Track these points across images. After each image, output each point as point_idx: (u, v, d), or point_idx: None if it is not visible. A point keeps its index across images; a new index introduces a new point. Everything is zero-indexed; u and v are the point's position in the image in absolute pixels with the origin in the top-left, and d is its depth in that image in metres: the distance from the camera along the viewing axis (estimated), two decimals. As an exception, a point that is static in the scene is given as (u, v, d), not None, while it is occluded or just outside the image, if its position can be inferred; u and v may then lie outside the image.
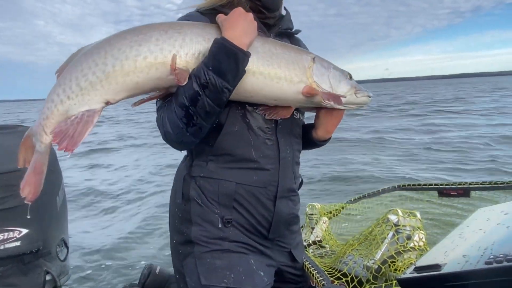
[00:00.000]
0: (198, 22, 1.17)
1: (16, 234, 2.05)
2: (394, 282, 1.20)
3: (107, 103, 1.07)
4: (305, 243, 2.04)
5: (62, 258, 2.37)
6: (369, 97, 1.23)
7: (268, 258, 1.29)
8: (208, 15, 1.23)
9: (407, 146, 9.92)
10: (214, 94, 1.05)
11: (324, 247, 2.02)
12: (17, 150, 1.13)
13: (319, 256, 1.92)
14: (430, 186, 2.31)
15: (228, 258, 1.21)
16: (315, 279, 1.42)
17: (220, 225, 1.21)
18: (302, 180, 1.44)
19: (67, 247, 2.50)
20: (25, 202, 1.13)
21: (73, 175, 8.02)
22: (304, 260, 1.57)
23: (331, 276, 1.49)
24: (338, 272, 1.50)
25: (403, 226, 1.50)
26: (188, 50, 1.06)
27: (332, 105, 1.20)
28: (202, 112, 1.07)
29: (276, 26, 1.33)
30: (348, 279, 1.44)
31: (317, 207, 2.15)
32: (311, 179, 6.62)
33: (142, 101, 1.15)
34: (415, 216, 1.54)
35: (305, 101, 1.19)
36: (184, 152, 1.34)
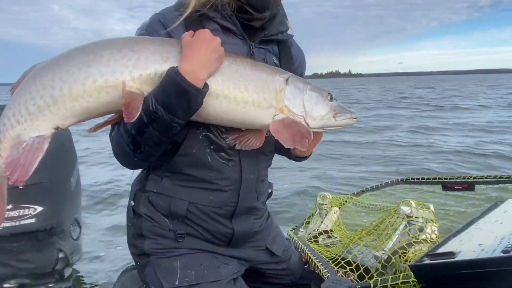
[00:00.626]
0: (158, 37, 1.07)
1: (31, 211, 2.10)
2: (403, 273, 1.18)
3: (57, 128, 1.01)
4: (314, 233, 2.04)
5: (75, 237, 2.43)
6: (354, 118, 1.12)
7: (234, 258, 1.27)
8: (187, 17, 1.12)
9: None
10: (162, 127, 0.98)
11: (334, 237, 2.02)
12: None
13: (329, 245, 1.92)
14: (434, 180, 2.28)
15: (187, 258, 1.19)
16: (320, 271, 1.42)
17: (173, 238, 1.18)
18: (270, 192, 1.39)
19: (80, 227, 2.55)
20: None
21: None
22: (308, 251, 1.57)
23: (337, 265, 1.49)
24: (343, 261, 1.49)
25: (415, 217, 1.48)
26: (143, 71, 0.97)
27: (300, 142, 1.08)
28: (149, 142, 1.01)
29: (262, 31, 1.21)
30: (353, 267, 1.44)
31: (328, 197, 2.14)
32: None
33: (98, 127, 1.05)
34: (428, 208, 1.51)
35: None
36: None
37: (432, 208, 1.53)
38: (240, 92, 1.03)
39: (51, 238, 2.20)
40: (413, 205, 1.51)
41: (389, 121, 14.06)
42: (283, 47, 1.28)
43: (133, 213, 1.22)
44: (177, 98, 0.94)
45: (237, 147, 1.11)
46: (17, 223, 2.06)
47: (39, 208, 2.12)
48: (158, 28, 1.11)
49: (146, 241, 1.18)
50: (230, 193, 1.18)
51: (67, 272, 2.37)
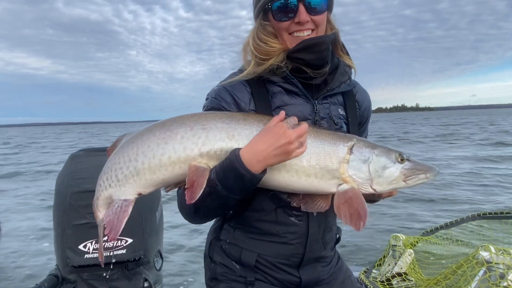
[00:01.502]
0: (226, 113, 1.14)
1: (123, 242, 2.33)
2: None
3: (140, 194, 1.13)
4: (388, 275, 2.01)
5: (158, 268, 2.62)
6: (428, 177, 1.07)
7: None
8: (251, 82, 1.21)
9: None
10: (219, 200, 1.07)
11: (409, 280, 1.97)
12: None
13: (403, 289, 1.89)
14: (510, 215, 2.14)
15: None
16: None
17: (244, 283, 1.26)
18: (338, 237, 1.40)
19: (162, 258, 2.75)
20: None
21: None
22: None
23: None
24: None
25: (495, 263, 1.43)
26: (211, 148, 1.05)
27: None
28: (207, 209, 1.12)
29: (325, 87, 1.23)
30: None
31: (401, 238, 2.11)
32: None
33: (171, 188, 1.16)
34: (510, 254, 1.45)
35: None
36: None
37: (514, 254, 1.47)
38: (302, 166, 1.05)
39: (138, 268, 2.40)
40: (493, 250, 1.46)
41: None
42: (348, 96, 1.30)
43: (209, 259, 1.34)
44: (234, 180, 1.02)
45: (303, 208, 1.13)
46: (111, 253, 2.30)
47: (130, 240, 2.34)
48: (225, 95, 1.21)
49: (220, 284, 1.30)
50: (297, 246, 1.23)
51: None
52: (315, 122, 1.21)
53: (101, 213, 1.18)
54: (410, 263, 2.02)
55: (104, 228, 1.11)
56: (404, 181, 1.06)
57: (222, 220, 1.33)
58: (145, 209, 2.51)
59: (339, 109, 1.27)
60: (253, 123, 1.08)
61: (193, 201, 0.99)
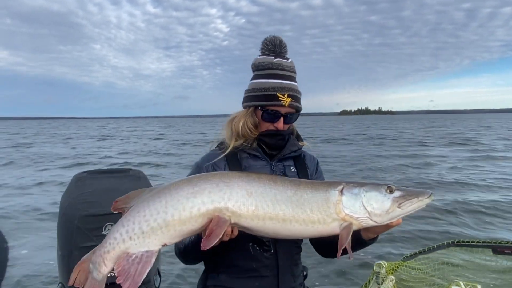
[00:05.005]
0: (245, 173, 1.30)
1: (126, 263, 2.48)
2: None
3: (164, 245, 1.18)
4: (371, 300, 2.24)
5: (157, 286, 2.77)
6: (423, 200, 1.15)
7: None
8: (229, 155, 1.58)
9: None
10: (196, 250, 1.43)
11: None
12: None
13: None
14: (484, 244, 2.38)
15: None
16: None
17: None
18: (306, 274, 1.70)
19: (160, 276, 2.90)
20: None
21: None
22: None
23: None
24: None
25: (464, 298, 1.66)
26: (235, 202, 1.18)
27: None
28: (191, 256, 1.55)
29: (279, 153, 1.61)
30: None
31: (384, 265, 2.34)
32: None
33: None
34: (476, 288, 1.70)
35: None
36: None
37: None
38: (307, 215, 1.18)
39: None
40: (462, 286, 1.70)
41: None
42: (298, 160, 1.68)
43: None
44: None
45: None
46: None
47: None
48: (204, 164, 1.59)
49: None
50: (271, 278, 1.52)
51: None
52: None
53: (107, 267, 1.18)
54: (391, 288, 2.25)
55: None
56: (399, 207, 1.15)
57: (206, 270, 1.65)
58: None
59: (291, 168, 1.63)
60: (265, 181, 1.24)
61: (208, 248, 1.13)
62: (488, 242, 2.40)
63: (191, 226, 1.18)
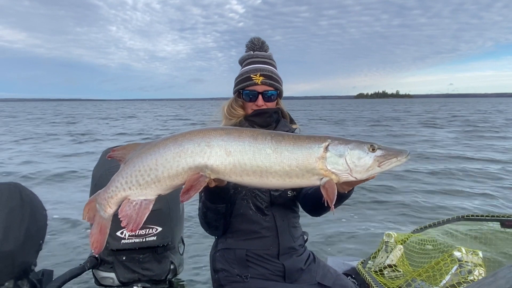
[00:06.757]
0: (226, 129, 1.32)
1: (153, 230, 2.67)
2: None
3: (159, 195, 1.34)
4: (380, 266, 2.38)
5: (181, 252, 2.99)
6: (401, 159, 1.20)
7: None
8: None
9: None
10: (215, 212, 1.61)
11: (398, 271, 2.34)
12: None
13: (393, 278, 2.26)
14: (492, 217, 2.49)
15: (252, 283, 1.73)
16: None
17: (242, 281, 1.73)
18: (306, 238, 1.89)
19: (184, 244, 3.12)
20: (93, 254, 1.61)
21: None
22: (373, 283, 1.94)
23: None
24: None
25: (465, 262, 1.80)
26: (214, 161, 1.26)
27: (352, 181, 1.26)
28: (212, 221, 1.68)
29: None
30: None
31: (393, 235, 2.48)
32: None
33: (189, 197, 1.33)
34: (477, 254, 1.82)
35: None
36: None
37: (480, 254, 1.84)
38: (285, 171, 1.23)
39: (166, 253, 2.75)
40: (464, 251, 1.83)
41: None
42: None
43: (213, 271, 1.85)
44: (210, 195, 1.55)
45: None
46: (144, 240, 2.64)
47: (159, 228, 2.67)
48: None
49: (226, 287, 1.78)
50: (272, 238, 1.75)
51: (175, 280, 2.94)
52: None
53: (112, 209, 1.34)
54: (399, 257, 2.38)
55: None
56: (379, 166, 1.20)
57: (217, 237, 1.88)
58: (171, 201, 2.85)
59: None
60: (245, 139, 1.28)
61: (187, 201, 1.26)
62: (497, 216, 2.50)
63: (178, 181, 1.30)
